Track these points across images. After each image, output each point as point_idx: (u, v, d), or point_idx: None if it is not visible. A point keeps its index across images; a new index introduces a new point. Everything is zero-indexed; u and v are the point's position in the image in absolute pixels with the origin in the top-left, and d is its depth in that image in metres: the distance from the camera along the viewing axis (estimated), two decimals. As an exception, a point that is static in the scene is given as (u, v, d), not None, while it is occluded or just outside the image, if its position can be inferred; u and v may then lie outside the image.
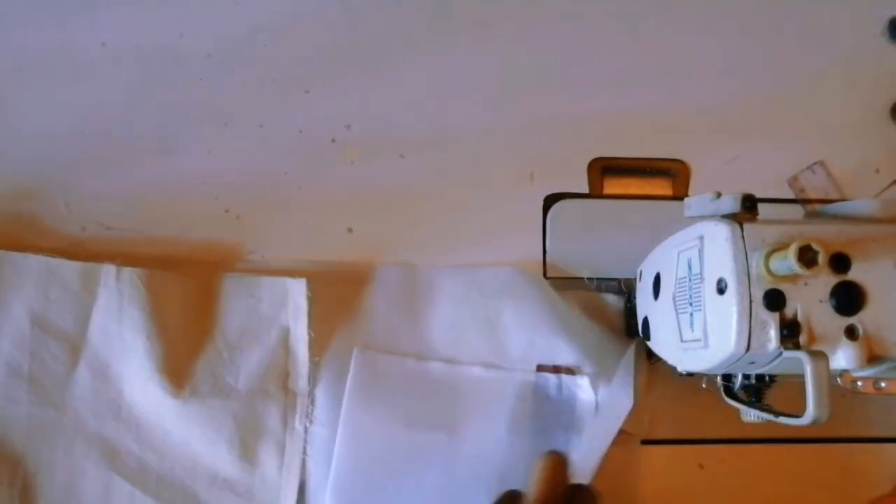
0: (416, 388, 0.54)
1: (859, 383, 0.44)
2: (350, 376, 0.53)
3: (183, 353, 0.54)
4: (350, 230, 0.58)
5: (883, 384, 0.44)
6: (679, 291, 0.45)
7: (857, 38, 0.63)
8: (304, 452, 0.54)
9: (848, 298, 0.40)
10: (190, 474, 0.53)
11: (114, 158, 0.57)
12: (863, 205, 0.45)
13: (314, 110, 0.59)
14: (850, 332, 0.40)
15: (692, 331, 0.44)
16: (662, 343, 0.49)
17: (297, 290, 0.55)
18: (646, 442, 0.56)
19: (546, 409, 0.55)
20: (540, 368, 0.55)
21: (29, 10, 0.58)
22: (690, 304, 0.44)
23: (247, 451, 0.53)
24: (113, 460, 0.52)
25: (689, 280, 0.44)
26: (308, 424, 0.54)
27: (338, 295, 0.56)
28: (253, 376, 0.54)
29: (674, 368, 0.49)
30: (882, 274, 0.40)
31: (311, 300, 0.55)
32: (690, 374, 0.49)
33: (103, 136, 0.57)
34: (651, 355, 0.56)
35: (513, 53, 0.61)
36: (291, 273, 0.55)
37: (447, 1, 0.61)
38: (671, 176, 0.60)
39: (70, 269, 0.53)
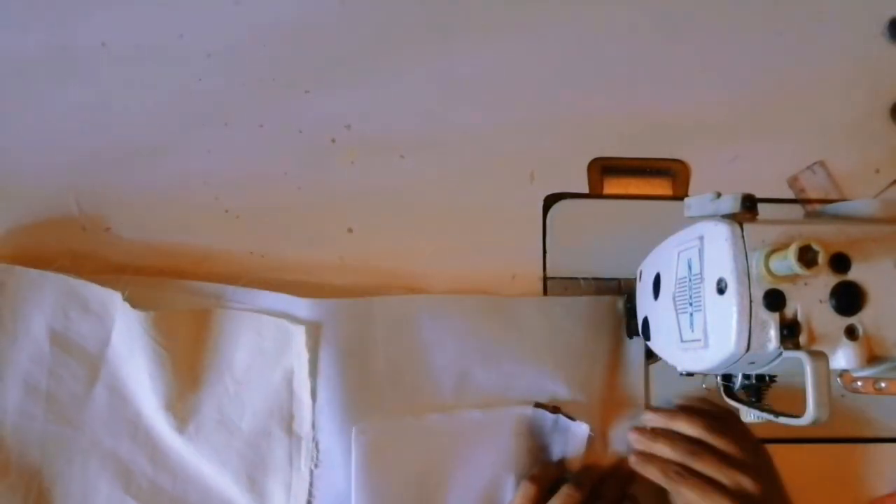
0: (418, 447, 0.54)
1: (859, 383, 0.44)
2: (353, 457, 0.53)
3: (188, 387, 0.54)
4: (350, 230, 0.58)
5: (883, 384, 0.44)
6: (679, 291, 0.45)
7: (857, 38, 0.63)
8: (311, 494, 0.54)
9: (848, 298, 0.40)
10: (203, 499, 0.53)
11: (114, 158, 0.57)
12: (863, 205, 0.45)
13: (314, 110, 0.59)
14: (850, 332, 0.40)
15: (692, 331, 0.44)
16: (662, 343, 0.49)
17: (299, 337, 0.54)
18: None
19: (541, 442, 0.55)
20: (538, 406, 0.55)
21: (29, 10, 0.58)
22: (690, 304, 0.44)
23: (254, 485, 0.53)
24: (127, 480, 0.53)
25: (689, 280, 0.44)
26: (313, 468, 0.54)
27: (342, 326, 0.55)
28: (258, 416, 0.54)
29: (674, 368, 0.49)
30: (882, 274, 0.40)
31: (313, 349, 0.54)
32: (690, 374, 0.50)
33: (103, 135, 0.57)
34: (651, 355, 0.56)
35: (513, 53, 0.61)
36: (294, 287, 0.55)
37: (447, 1, 0.61)
38: (671, 176, 0.60)
39: (89, 290, 0.53)
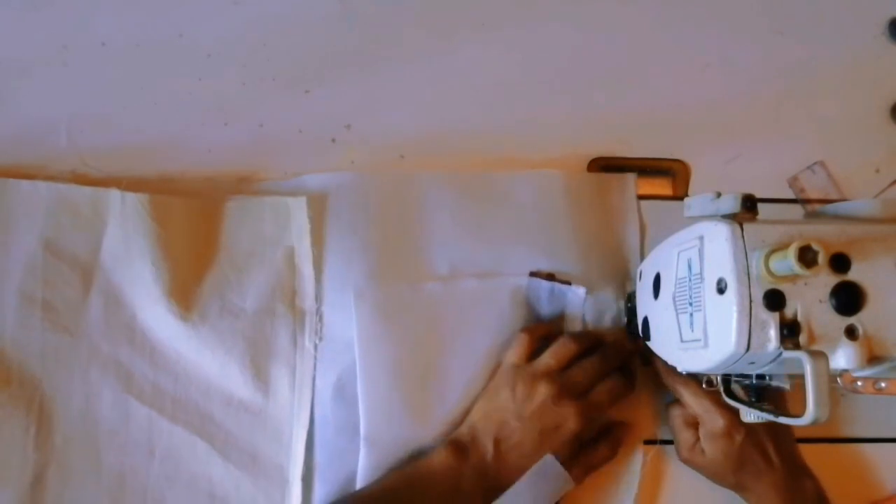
0: (417, 314, 0.54)
1: (859, 383, 0.44)
2: (354, 321, 0.54)
3: (190, 278, 0.54)
4: (350, 230, 0.58)
5: (883, 384, 0.44)
6: (679, 291, 0.45)
7: (857, 38, 0.63)
8: (315, 369, 0.54)
9: (848, 298, 0.40)
10: (205, 396, 0.53)
11: (114, 158, 0.57)
12: (863, 205, 0.45)
13: (314, 110, 0.59)
14: (850, 332, 0.40)
15: (692, 331, 0.43)
16: (662, 343, 0.49)
17: (299, 209, 0.55)
18: (648, 442, 0.56)
19: (539, 313, 0.56)
20: (533, 275, 0.55)
21: (29, 10, 0.58)
22: (690, 304, 0.44)
23: (259, 371, 0.53)
24: (128, 384, 0.53)
25: (689, 280, 0.44)
26: (318, 341, 0.55)
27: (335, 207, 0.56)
28: (260, 296, 0.55)
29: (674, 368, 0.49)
30: (882, 274, 0.40)
31: (313, 219, 0.55)
32: (690, 375, 0.49)
33: (103, 135, 0.57)
34: (650, 355, 0.56)
35: (513, 53, 0.61)
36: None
37: (447, 1, 0.61)
38: (671, 176, 0.60)
39: (80, 194, 0.54)
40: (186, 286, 0.53)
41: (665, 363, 0.49)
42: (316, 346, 0.55)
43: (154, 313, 0.53)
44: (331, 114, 0.59)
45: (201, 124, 0.58)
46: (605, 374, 0.53)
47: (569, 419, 0.50)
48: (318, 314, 0.55)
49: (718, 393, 0.49)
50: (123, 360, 0.53)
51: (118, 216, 0.53)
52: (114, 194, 0.54)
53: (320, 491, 0.53)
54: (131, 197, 0.53)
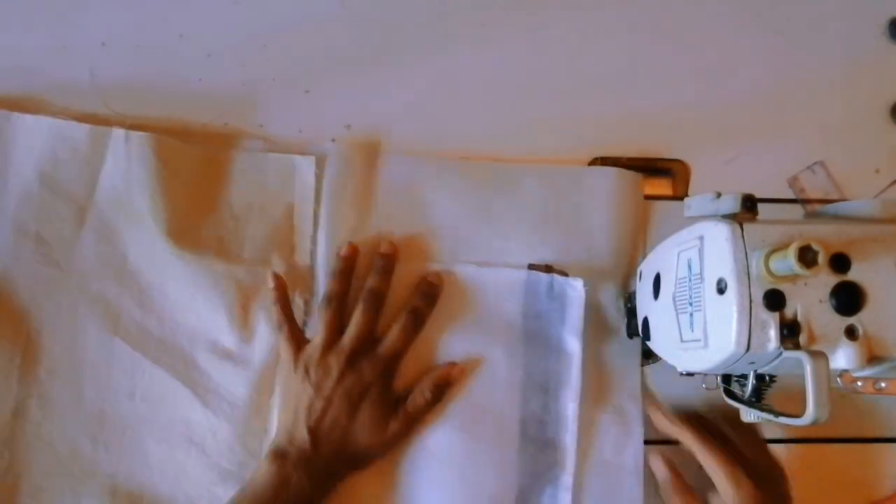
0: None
1: (859, 383, 0.44)
2: None
3: (189, 219, 0.54)
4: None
5: (883, 384, 0.44)
6: (679, 291, 0.45)
7: (857, 38, 0.63)
8: (305, 325, 0.55)
9: (848, 298, 0.40)
10: (190, 341, 0.54)
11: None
12: (863, 205, 0.45)
13: (314, 110, 0.59)
14: (850, 332, 0.40)
15: (692, 331, 0.44)
16: (662, 343, 0.49)
17: (306, 168, 0.56)
18: (647, 442, 0.56)
19: (537, 307, 0.55)
20: (532, 267, 0.56)
21: (29, 9, 0.58)
22: (690, 304, 0.44)
23: (246, 321, 0.54)
24: (115, 323, 0.53)
25: (689, 280, 0.44)
26: (308, 297, 0.55)
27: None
28: (257, 248, 0.55)
29: (674, 368, 0.49)
30: (882, 274, 0.40)
31: (319, 178, 0.56)
32: (690, 374, 0.50)
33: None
34: (651, 355, 0.56)
35: (513, 53, 0.61)
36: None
37: (447, 1, 0.61)
38: (671, 176, 0.60)
39: (79, 130, 0.54)
40: (184, 227, 0.54)
41: (666, 411, 0.49)
42: (306, 302, 0.55)
43: (149, 252, 0.53)
44: (331, 114, 0.59)
45: (201, 124, 0.58)
46: (377, 311, 0.53)
47: (367, 374, 0.51)
48: (312, 271, 0.55)
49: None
50: (112, 298, 0.53)
51: (121, 153, 0.54)
52: (116, 132, 0.54)
53: None
54: (137, 135, 0.54)
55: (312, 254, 0.56)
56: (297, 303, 0.55)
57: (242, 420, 0.53)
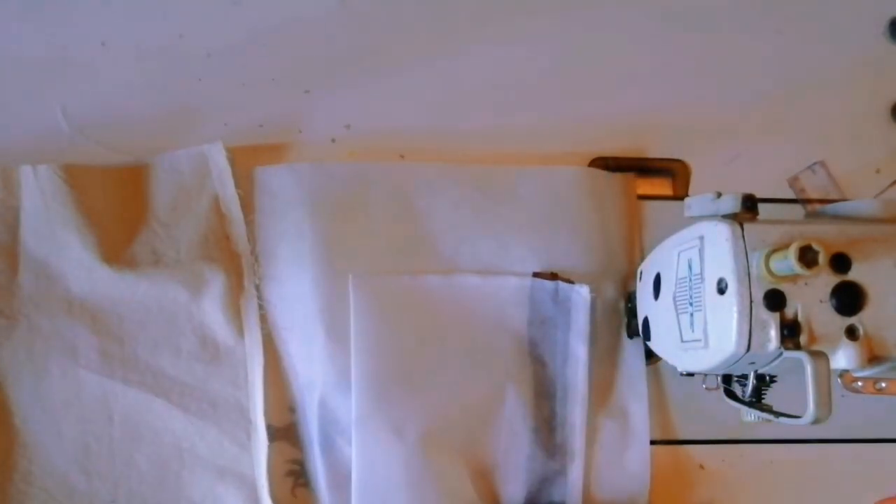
0: (416, 305, 0.54)
1: (859, 383, 0.44)
2: (352, 302, 0.53)
3: (119, 239, 0.54)
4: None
5: (883, 384, 0.44)
6: (679, 291, 0.45)
7: (857, 38, 0.63)
8: (262, 309, 0.54)
9: (848, 298, 0.40)
10: (152, 353, 0.53)
11: (112, 158, 0.57)
12: (863, 205, 0.45)
13: (314, 110, 0.59)
14: (851, 333, 0.40)
15: (692, 331, 0.44)
16: (662, 343, 0.49)
17: (217, 153, 0.55)
18: (654, 442, 0.55)
19: (543, 313, 0.55)
20: (537, 275, 0.55)
21: (29, 9, 0.58)
22: (691, 304, 0.44)
23: (203, 318, 0.53)
24: (74, 355, 0.53)
25: (690, 280, 0.44)
26: (258, 281, 0.55)
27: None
28: (194, 246, 0.54)
29: (674, 368, 0.49)
30: (882, 274, 0.40)
31: (232, 161, 0.55)
32: (691, 375, 0.50)
33: (102, 135, 0.57)
34: (651, 355, 0.56)
35: (513, 53, 0.61)
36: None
37: (447, 1, 0.61)
38: (671, 176, 0.60)
39: None
40: (117, 247, 0.53)
41: None
42: (257, 286, 0.54)
43: (89, 279, 0.53)
44: (331, 114, 0.59)
45: (201, 124, 0.58)
46: None
47: None
48: (255, 255, 0.55)
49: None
50: (65, 332, 0.53)
51: (34, 189, 0.53)
52: (24, 170, 0.53)
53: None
54: (44, 168, 0.53)
55: (250, 236, 0.55)
56: (248, 289, 0.54)
57: (225, 416, 0.53)
